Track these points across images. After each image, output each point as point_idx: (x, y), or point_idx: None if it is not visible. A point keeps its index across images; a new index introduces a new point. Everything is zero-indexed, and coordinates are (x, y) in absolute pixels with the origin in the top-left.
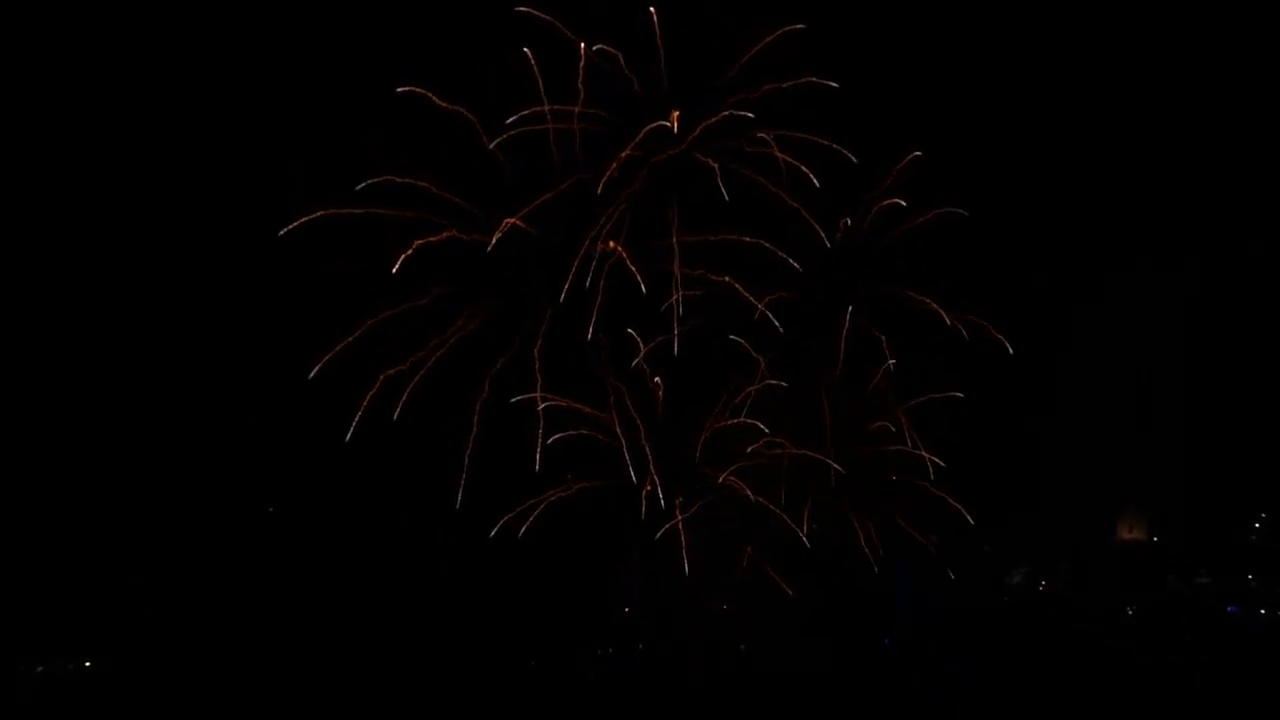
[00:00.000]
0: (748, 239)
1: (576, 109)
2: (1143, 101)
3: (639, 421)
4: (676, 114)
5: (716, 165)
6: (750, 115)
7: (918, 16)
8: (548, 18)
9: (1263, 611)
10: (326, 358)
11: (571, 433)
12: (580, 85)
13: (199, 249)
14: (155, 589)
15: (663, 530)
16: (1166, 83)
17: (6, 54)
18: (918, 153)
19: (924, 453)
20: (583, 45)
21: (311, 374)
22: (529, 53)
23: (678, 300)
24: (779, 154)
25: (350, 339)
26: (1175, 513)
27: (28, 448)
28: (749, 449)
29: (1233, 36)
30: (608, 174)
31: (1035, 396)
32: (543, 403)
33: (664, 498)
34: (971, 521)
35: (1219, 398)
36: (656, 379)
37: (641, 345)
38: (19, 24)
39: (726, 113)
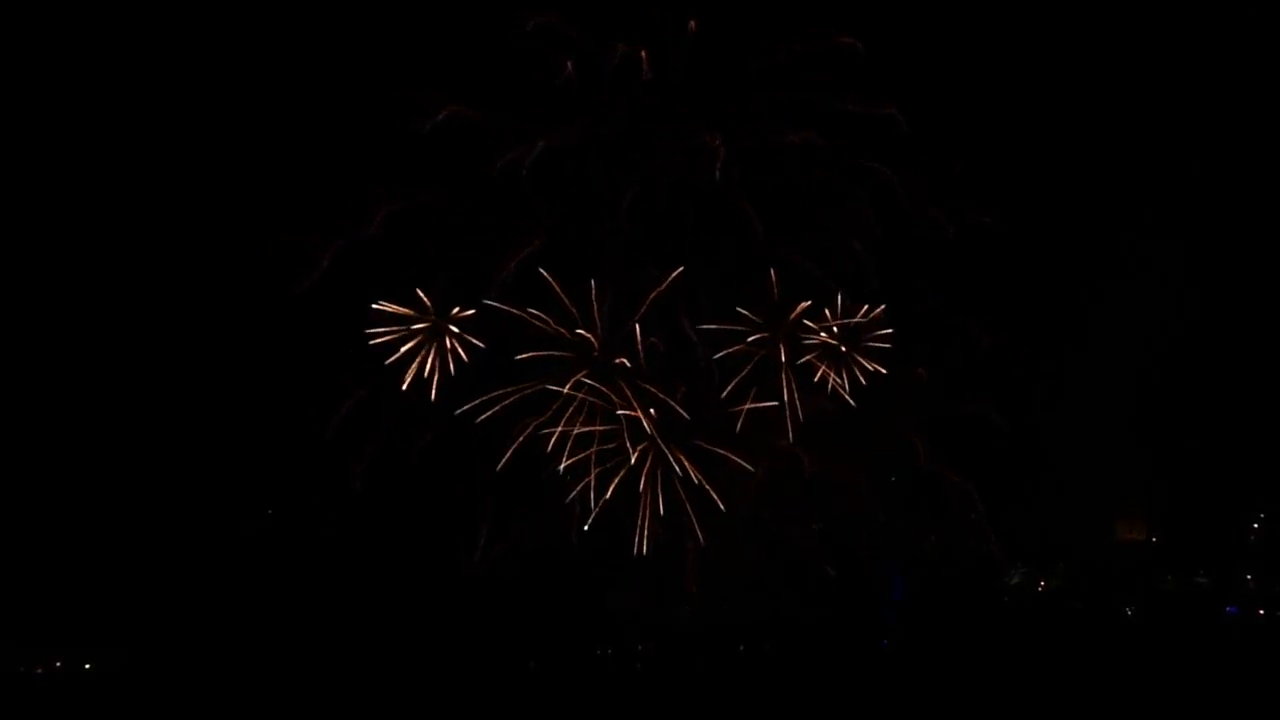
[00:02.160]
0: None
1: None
2: (1149, 110)
3: (657, 435)
4: (718, 139)
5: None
6: (789, 133)
7: (954, 31)
8: (570, 29)
9: (1262, 611)
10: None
11: (588, 451)
12: (610, 92)
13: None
14: (154, 591)
15: (669, 538)
16: (1173, 93)
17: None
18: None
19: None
20: (645, 53)
21: (350, 400)
22: (569, 64)
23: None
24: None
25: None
26: (1175, 513)
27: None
28: (760, 464)
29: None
30: (633, 193)
31: (1035, 397)
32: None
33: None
34: (973, 520)
35: (1218, 398)
36: (679, 391)
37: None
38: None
39: (764, 131)
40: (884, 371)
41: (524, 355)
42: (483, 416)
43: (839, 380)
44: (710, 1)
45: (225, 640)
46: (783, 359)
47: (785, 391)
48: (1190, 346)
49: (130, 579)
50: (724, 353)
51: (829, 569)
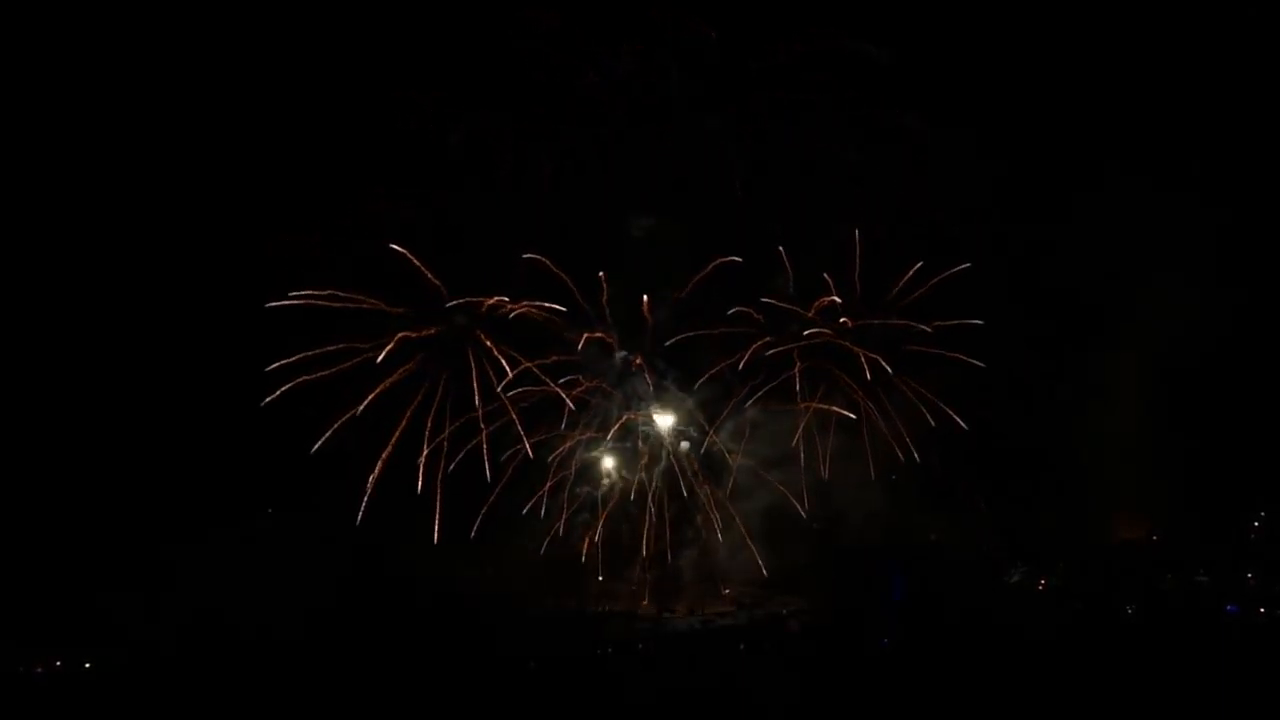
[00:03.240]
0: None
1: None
2: (1147, 110)
3: (666, 444)
4: (722, 140)
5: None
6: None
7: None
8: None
9: (1262, 611)
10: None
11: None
12: (612, 93)
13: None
14: (154, 592)
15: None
16: (1170, 93)
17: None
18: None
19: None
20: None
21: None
22: (572, 65)
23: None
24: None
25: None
26: (1175, 512)
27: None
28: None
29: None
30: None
31: (1036, 397)
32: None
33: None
34: (974, 520)
35: (1217, 398)
36: (690, 394)
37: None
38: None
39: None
40: (917, 391)
41: (548, 359)
42: (497, 424)
43: (853, 384)
44: (711, 2)
45: (225, 640)
46: (796, 362)
47: (797, 394)
48: (1190, 346)
49: (130, 579)
50: (735, 356)
51: (829, 569)
